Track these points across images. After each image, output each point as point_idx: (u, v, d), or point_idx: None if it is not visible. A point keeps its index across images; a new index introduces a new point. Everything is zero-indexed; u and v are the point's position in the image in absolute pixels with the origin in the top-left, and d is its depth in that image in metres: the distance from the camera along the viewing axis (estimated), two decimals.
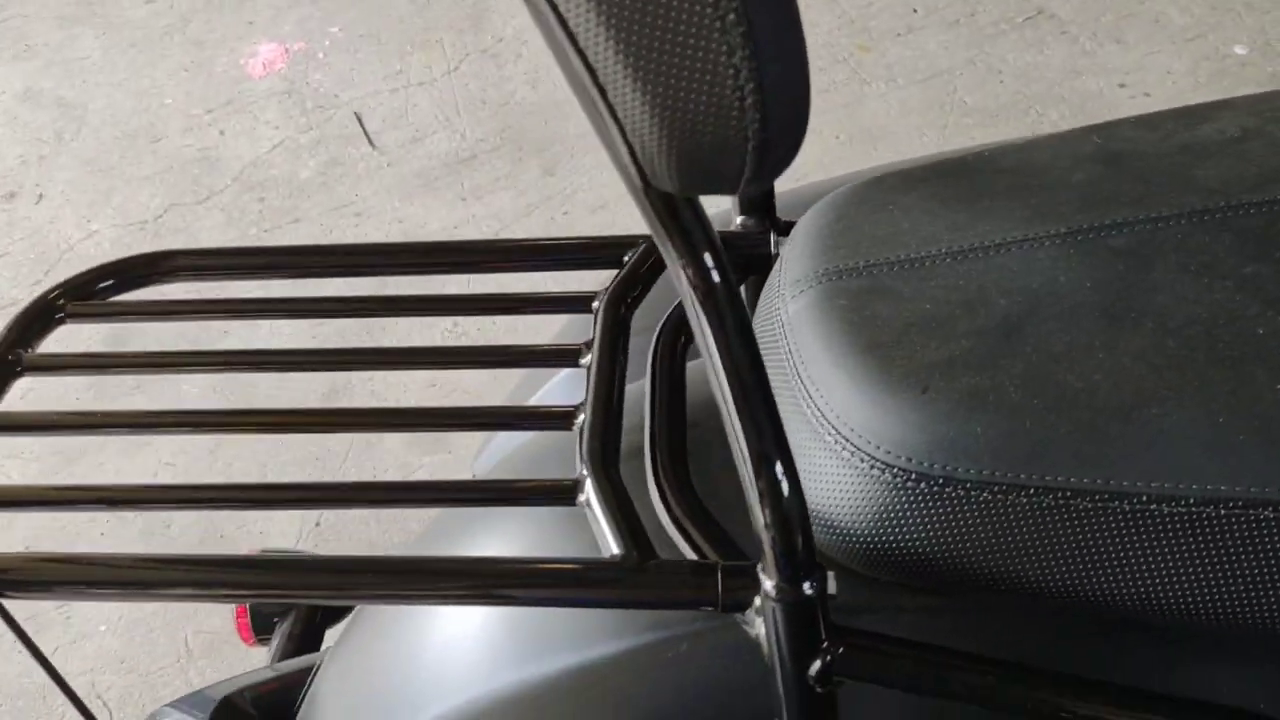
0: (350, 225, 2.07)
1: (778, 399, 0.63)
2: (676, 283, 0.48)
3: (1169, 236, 0.61)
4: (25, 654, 0.62)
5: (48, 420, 0.69)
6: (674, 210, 0.46)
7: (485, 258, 0.80)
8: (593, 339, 0.71)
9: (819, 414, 0.59)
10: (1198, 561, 0.53)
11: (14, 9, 2.59)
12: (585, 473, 0.62)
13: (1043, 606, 0.57)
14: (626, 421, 0.68)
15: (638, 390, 0.71)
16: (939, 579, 0.57)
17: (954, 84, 2.10)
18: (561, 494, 0.62)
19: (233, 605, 1.00)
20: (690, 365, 0.78)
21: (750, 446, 0.50)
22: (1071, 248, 0.62)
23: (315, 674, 0.86)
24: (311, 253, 0.80)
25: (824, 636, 0.54)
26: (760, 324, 0.68)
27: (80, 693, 0.62)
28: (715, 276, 0.47)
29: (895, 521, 0.56)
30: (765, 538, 0.51)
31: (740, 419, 0.49)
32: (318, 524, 1.69)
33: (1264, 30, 2.08)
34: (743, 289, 0.82)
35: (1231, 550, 0.52)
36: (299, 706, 0.86)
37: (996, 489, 0.54)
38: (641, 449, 0.67)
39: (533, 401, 0.91)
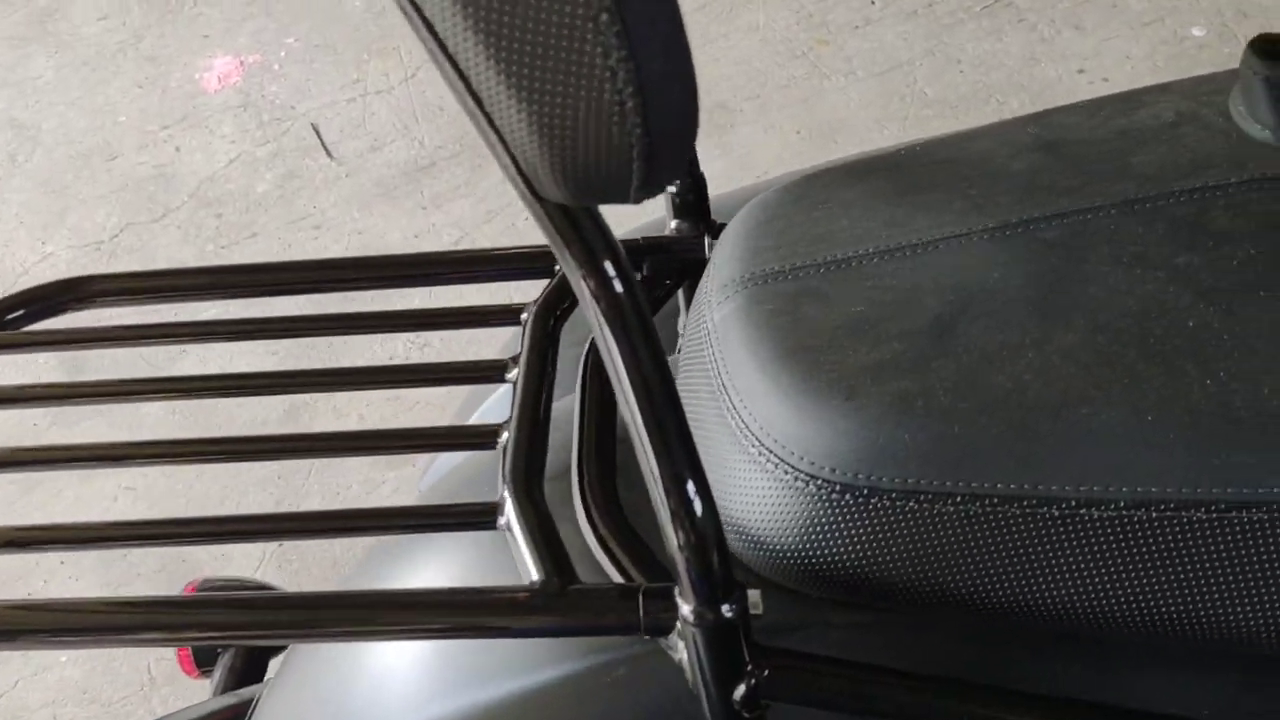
0: (309, 238, 2.04)
1: (704, 410, 0.61)
2: (579, 295, 0.46)
3: (1102, 227, 0.59)
4: None
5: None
6: (570, 219, 0.43)
7: (414, 271, 0.78)
8: (520, 353, 0.69)
9: (743, 425, 0.57)
10: (1130, 567, 0.51)
11: None
12: (506, 494, 0.60)
13: (976, 618, 0.55)
14: (556, 438, 0.66)
15: (569, 405, 0.69)
16: (869, 593, 0.55)
17: (913, 75, 2.09)
18: (481, 517, 0.59)
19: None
20: None
21: (660, 466, 0.48)
22: (1005, 242, 0.60)
23: (255, 708, 0.84)
24: (232, 272, 0.77)
25: (748, 659, 0.52)
26: (689, 332, 0.66)
27: None
28: (618, 287, 0.45)
29: (821, 535, 0.54)
30: (680, 560, 0.49)
31: (649, 437, 0.47)
32: (280, 544, 1.66)
33: (1220, 12, 2.07)
34: (680, 294, 0.80)
35: (1164, 554, 0.50)
36: None
37: (923, 498, 0.52)
38: (569, 467, 0.64)
39: (475, 418, 0.89)
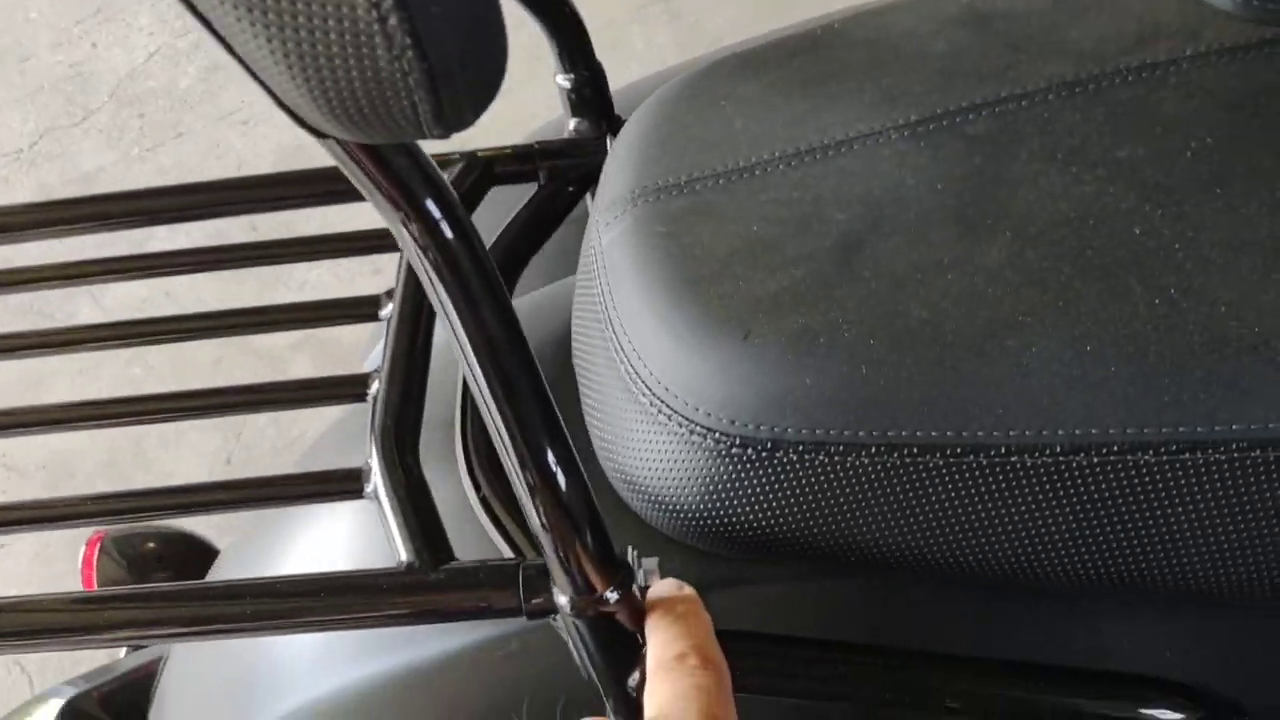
0: (238, 135, 1.93)
1: (594, 354, 0.54)
2: (400, 243, 0.38)
3: (1034, 117, 0.51)
4: None
5: None
6: (375, 154, 0.35)
7: (292, 191, 0.69)
8: (395, 286, 0.61)
9: (633, 371, 0.50)
10: (1069, 517, 0.44)
11: None
12: (372, 456, 0.53)
13: (903, 574, 0.48)
14: (441, 385, 0.58)
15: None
16: (784, 551, 0.49)
17: None
18: (345, 485, 0.53)
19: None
20: (518, 303, 0.68)
21: (512, 435, 0.40)
22: (922, 139, 0.51)
23: (164, 667, 0.78)
24: (95, 202, 0.68)
25: (641, 642, 0.46)
26: (581, 260, 0.58)
27: None
28: (447, 230, 0.37)
29: (724, 493, 0.47)
30: (545, 544, 0.42)
31: (497, 403, 0.40)
32: (228, 461, 1.60)
33: None
34: (588, 202, 0.72)
35: (1107, 503, 0.44)
36: (151, 704, 0.79)
37: (832, 450, 0.45)
38: (452, 421, 0.57)
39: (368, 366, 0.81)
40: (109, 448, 1.62)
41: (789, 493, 0.47)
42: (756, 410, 0.46)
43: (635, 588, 0.46)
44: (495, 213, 0.68)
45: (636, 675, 0.46)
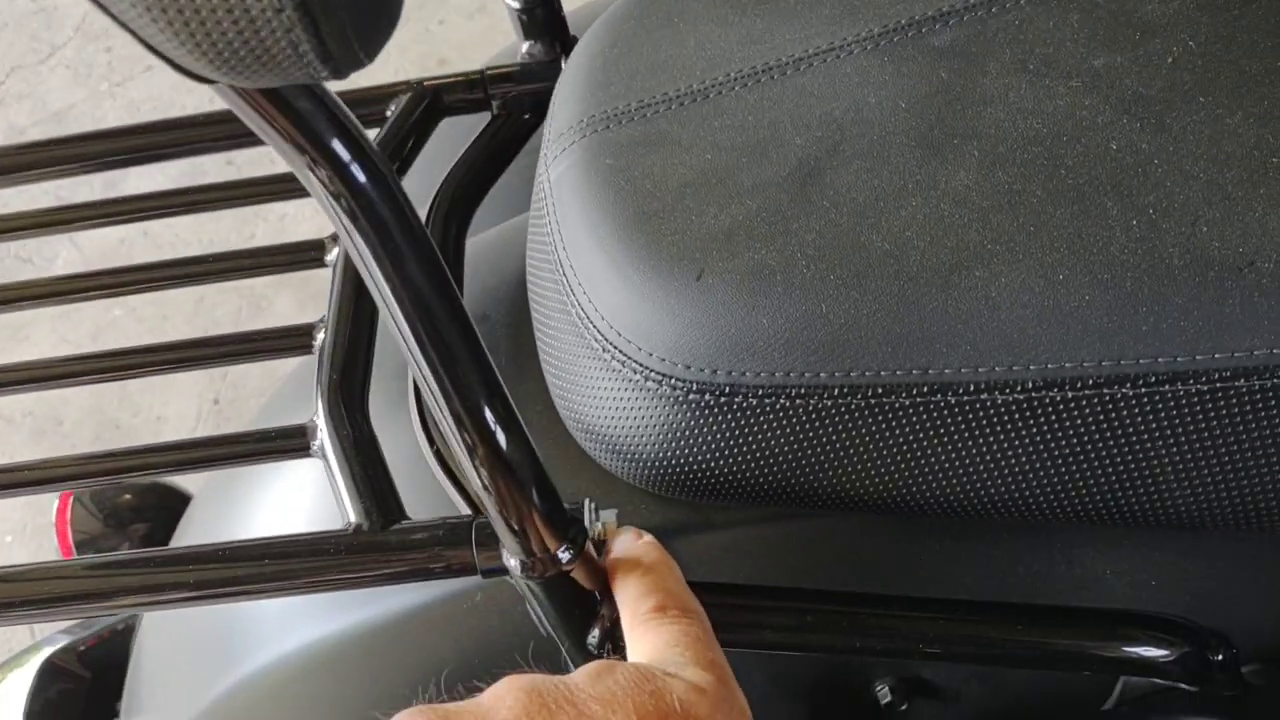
0: None
1: (546, 296, 0.51)
2: (311, 190, 0.35)
3: (1004, 25, 0.47)
4: None
5: None
6: (274, 96, 0.32)
7: (230, 131, 0.66)
8: None
9: (584, 315, 0.47)
10: (1045, 454, 0.42)
11: None
12: (319, 412, 0.50)
13: (873, 514, 0.46)
14: (389, 335, 0.56)
15: None
16: (748, 496, 0.47)
17: None
18: (291, 443, 0.50)
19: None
20: (474, 242, 0.65)
21: (445, 394, 0.38)
22: (885, 54, 0.48)
23: (140, 623, 0.77)
24: (77, 142, 0.64)
25: (599, 598, 0.44)
26: (534, 195, 0.55)
27: None
28: (359, 174, 0.34)
29: (682, 440, 0.45)
30: (489, 504, 0.40)
31: (427, 359, 0.37)
32: (216, 401, 1.58)
33: None
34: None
35: (1082, 438, 0.41)
36: (129, 658, 0.78)
37: (793, 393, 0.43)
38: (405, 369, 0.55)
39: None
40: (95, 391, 1.60)
41: (750, 438, 0.44)
42: (712, 354, 0.43)
43: (591, 542, 0.43)
44: (451, 146, 0.64)
45: (597, 632, 0.44)
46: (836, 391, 0.42)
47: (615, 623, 0.44)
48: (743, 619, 0.45)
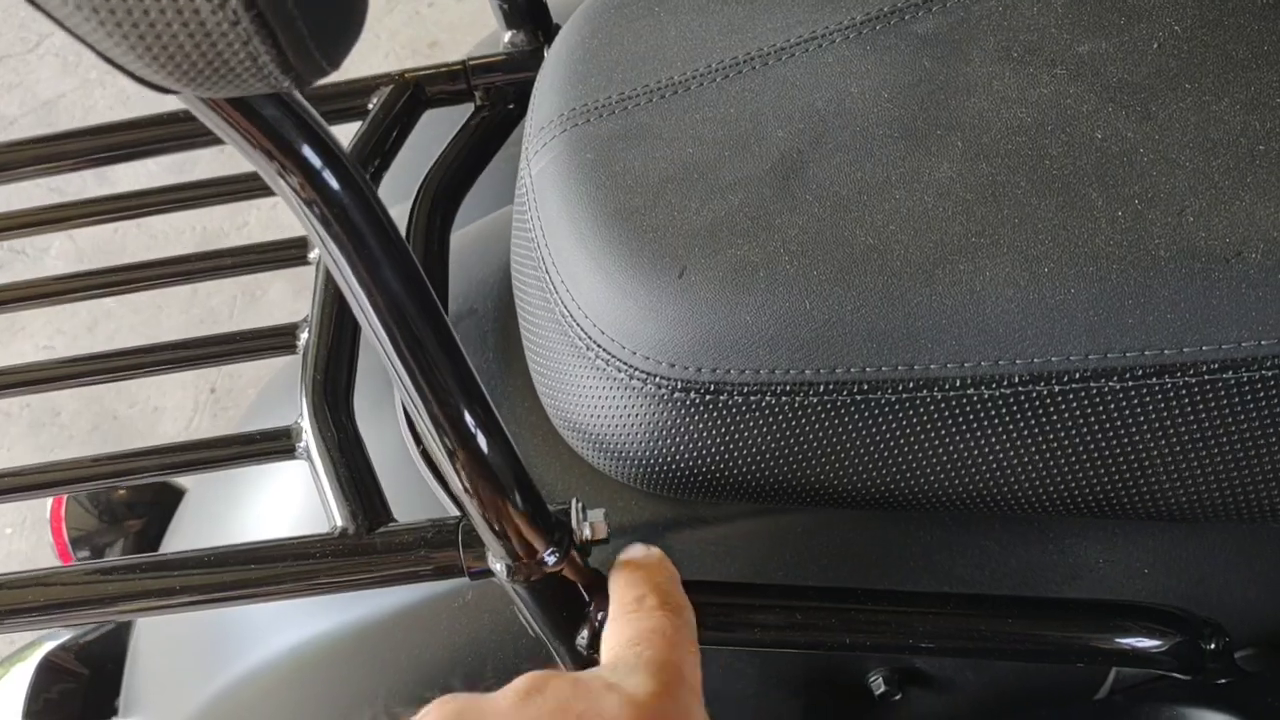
0: None
1: (529, 293, 0.51)
2: (284, 198, 0.35)
3: (988, 12, 0.46)
4: None
5: None
6: (240, 105, 0.32)
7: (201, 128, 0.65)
8: None
9: (566, 313, 0.46)
10: (1033, 447, 0.42)
11: None
12: (304, 412, 0.50)
13: (861, 509, 0.46)
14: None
15: None
16: (736, 493, 0.46)
17: None
18: (276, 445, 0.50)
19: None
20: (461, 235, 0.65)
21: (423, 399, 0.38)
22: (867, 42, 0.47)
23: (136, 620, 0.77)
24: (69, 139, 0.64)
25: (587, 599, 0.44)
26: (517, 190, 0.54)
27: None
28: (332, 181, 0.34)
29: (668, 438, 0.45)
30: (472, 508, 0.40)
31: (405, 367, 0.37)
32: (212, 391, 1.58)
33: None
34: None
35: (1069, 432, 0.41)
36: (126, 655, 0.78)
37: (778, 390, 0.42)
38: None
39: None
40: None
41: (736, 435, 0.44)
42: (696, 352, 0.43)
43: (578, 543, 0.43)
44: (434, 138, 0.64)
45: (586, 633, 0.44)
46: (822, 388, 0.42)
47: (604, 623, 0.44)
48: (734, 617, 0.45)
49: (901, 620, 0.46)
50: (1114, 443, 0.41)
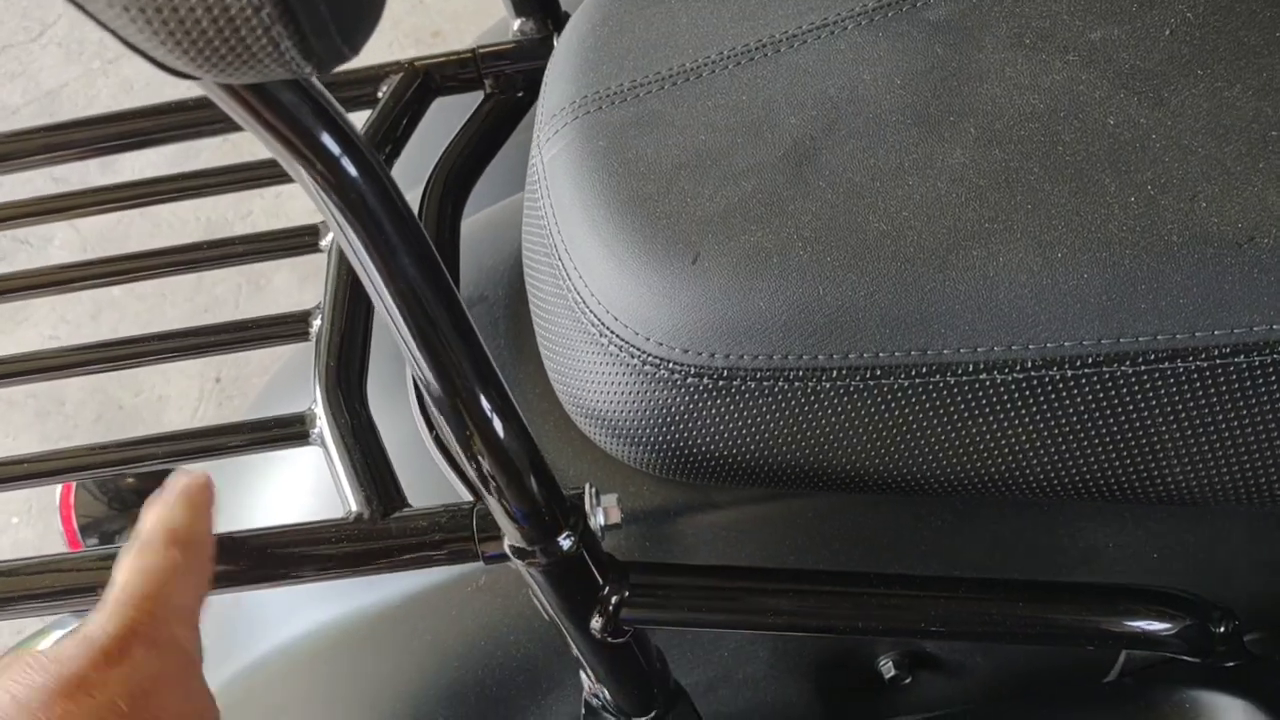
0: None
1: (541, 279, 0.51)
2: (302, 185, 0.35)
3: None
4: None
5: None
6: (259, 90, 0.32)
7: (215, 115, 0.65)
8: None
9: (580, 300, 0.47)
10: (1045, 432, 0.42)
11: None
12: (317, 399, 0.50)
13: (874, 494, 0.46)
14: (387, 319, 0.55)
15: None
16: (749, 478, 0.47)
17: None
18: (290, 431, 0.50)
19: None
20: (471, 222, 0.65)
21: (440, 384, 0.38)
22: (880, 29, 0.47)
23: None
24: (73, 128, 0.64)
25: (601, 584, 0.44)
26: (528, 177, 0.54)
27: None
28: (350, 168, 0.34)
29: (681, 423, 0.45)
30: (486, 493, 0.40)
31: (422, 353, 0.37)
32: (218, 380, 1.58)
33: None
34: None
35: (1082, 416, 0.41)
36: None
37: (791, 376, 0.43)
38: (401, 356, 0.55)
39: None
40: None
41: (749, 421, 0.44)
42: (709, 338, 0.43)
43: (596, 527, 0.44)
44: (444, 126, 0.64)
45: (599, 617, 0.44)
46: (835, 374, 0.42)
47: (618, 607, 0.44)
48: (746, 601, 0.46)
49: (912, 604, 0.46)
50: (1126, 427, 0.41)
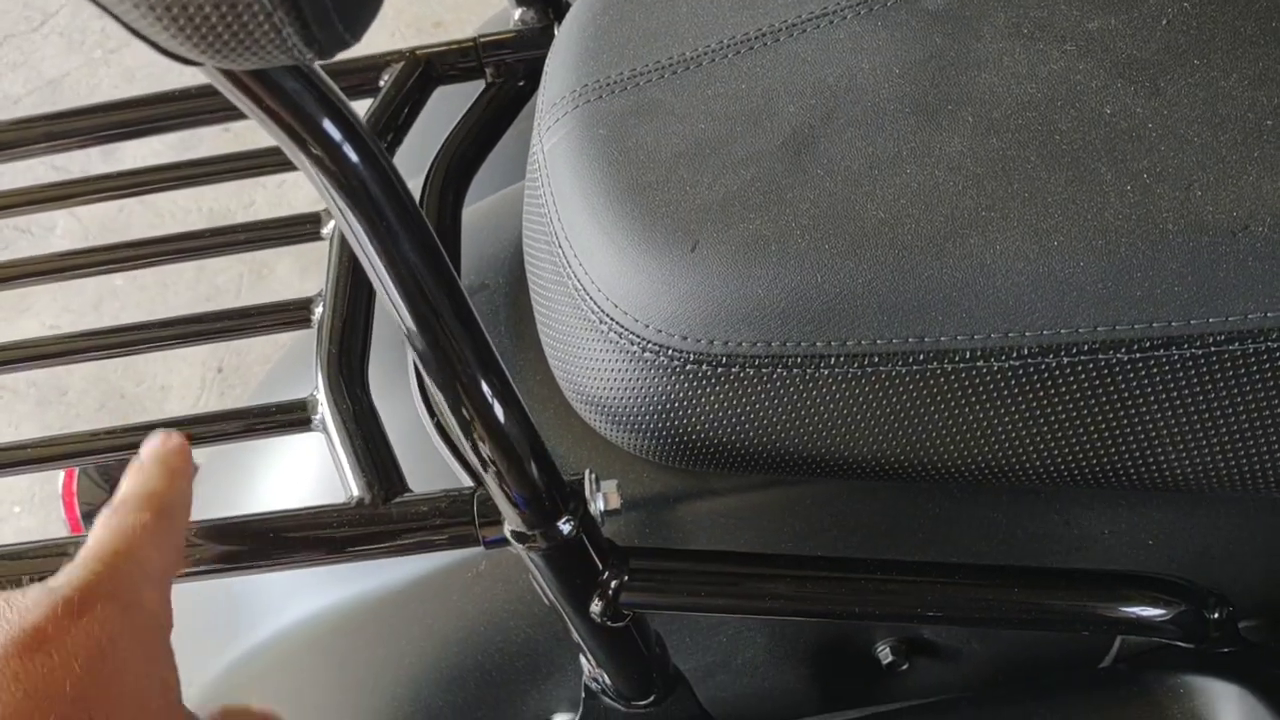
0: None
1: (541, 267, 0.51)
2: (303, 170, 0.35)
3: None
4: None
5: None
6: (261, 76, 0.32)
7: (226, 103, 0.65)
8: None
9: (580, 286, 0.47)
10: (1041, 419, 0.42)
11: None
12: (319, 384, 0.51)
13: (871, 480, 0.47)
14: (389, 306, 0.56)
15: None
16: (748, 465, 0.47)
17: None
18: (291, 417, 0.51)
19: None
20: (472, 210, 0.65)
21: (440, 369, 0.38)
22: (879, 18, 0.48)
23: None
24: (73, 116, 0.64)
25: (601, 568, 0.44)
26: (528, 166, 0.55)
27: None
28: (351, 154, 0.34)
29: (680, 410, 0.45)
30: (488, 478, 0.40)
31: (422, 338, 0.38)
32: (219, 370, 1.59)
33: None
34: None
35: (1078, 404, 0.41)
36: None
37: (790, 362, 0.43)
38: (404, 342, 0.55)
39: None
40: (99, 362, 1.61)
41: (748, 407, 0.44)
42: (708, 325, 0.43)
43: (596, 513, 0.44)
44: (446, 115, 0.64)
45: (599, 601, 0.45)
46: (833, 361, 0.42)
47: (618, 592, 0.45)
48: (745, 586, 0.46)
49: (909, 590, 0.46)
50: (1121, 414, 0.41)
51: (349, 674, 0.59)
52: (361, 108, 0.63)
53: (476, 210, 0.66)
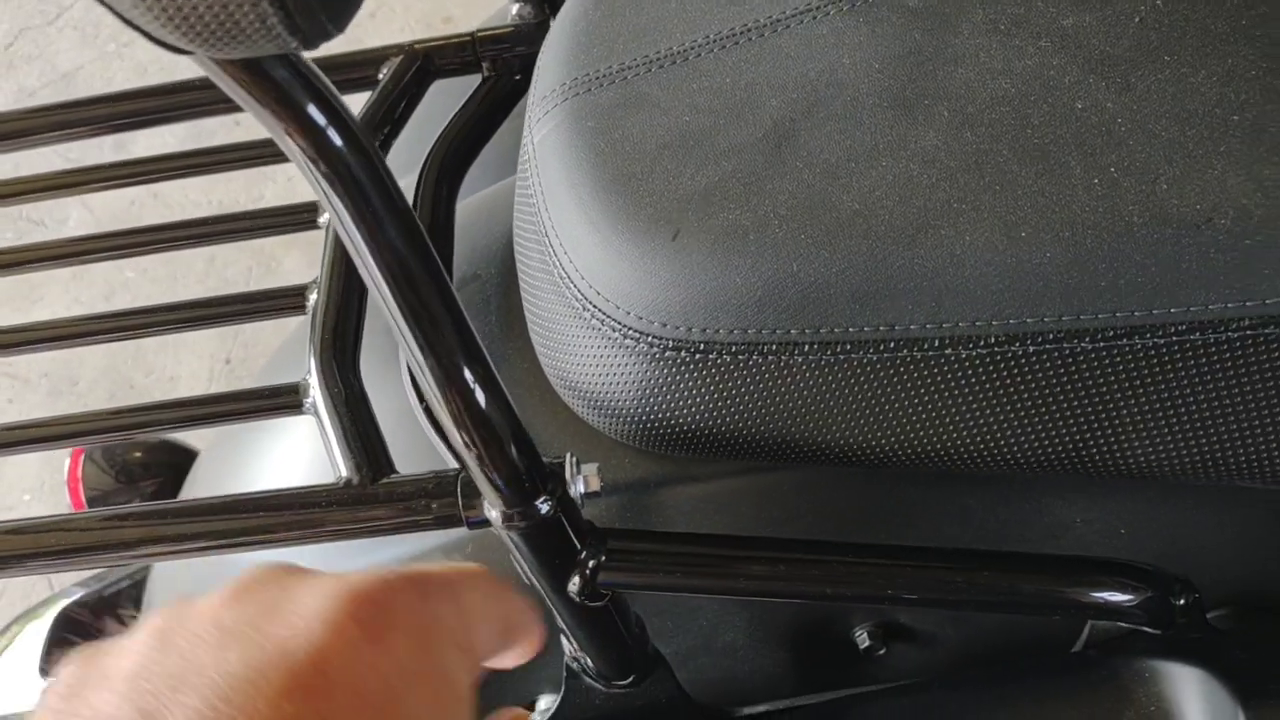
0: None
1: (530, 257, 0.52)
2: (289, 154, 0.36)
3: None
4: None
5: None
6: (251, 67, 0.34)
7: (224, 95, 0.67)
8: None
9: (565, 275, 0.48)
10: (1008, 406, 0.43)
11: None
12: (311, 368, 0.52)
13: (845, 465, 0.48)
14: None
15: None
16: (726, 451, 0.48)
17: None
18: (284, 400, 0.52)
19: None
20: (466, 203, 0.66)
21: (424, 354, 0.39)
22: (861, 14, 0.49)
23: (150, 574, 0.80)
24: (87, 105, 0.66)
25: (579, 548, 0.46)
26: (520, 158, 0.56)
27: None
28: (336, 139, 0.35)
29: (660, 396, 0.46)
30: (469, 459, 0.42)
31: (406, 323, 0.39)
32: (227, 361, 1.61)
33: None
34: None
35: (1044, 391, 0.42)
36: (141, 609, 0.80)
37: (766, 350, 0.44)
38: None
39: None
40: (109, 352, 1.63)
41: (725, 394, 0.46)
42: (687, 312, 0.44)
43: (577, 495, 0.45)
44: (443, 108, 0.66)
45: (577, 580, 0.46)
46: (807, 348, 0.44)
47: (595, 571, 0.46)
48: (722, 568, 0.47)
49: (883, 572, 0.48)
50: (1086, 402, 0.42)
51: None
52: (360, 100, 0.65)
53: (471, 203, 0.67)
